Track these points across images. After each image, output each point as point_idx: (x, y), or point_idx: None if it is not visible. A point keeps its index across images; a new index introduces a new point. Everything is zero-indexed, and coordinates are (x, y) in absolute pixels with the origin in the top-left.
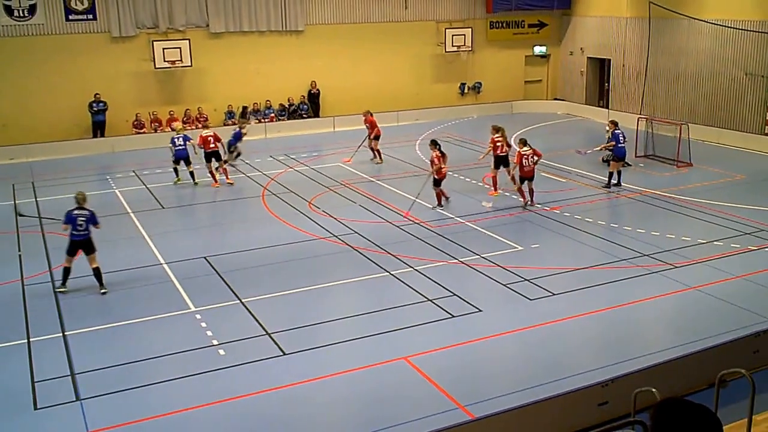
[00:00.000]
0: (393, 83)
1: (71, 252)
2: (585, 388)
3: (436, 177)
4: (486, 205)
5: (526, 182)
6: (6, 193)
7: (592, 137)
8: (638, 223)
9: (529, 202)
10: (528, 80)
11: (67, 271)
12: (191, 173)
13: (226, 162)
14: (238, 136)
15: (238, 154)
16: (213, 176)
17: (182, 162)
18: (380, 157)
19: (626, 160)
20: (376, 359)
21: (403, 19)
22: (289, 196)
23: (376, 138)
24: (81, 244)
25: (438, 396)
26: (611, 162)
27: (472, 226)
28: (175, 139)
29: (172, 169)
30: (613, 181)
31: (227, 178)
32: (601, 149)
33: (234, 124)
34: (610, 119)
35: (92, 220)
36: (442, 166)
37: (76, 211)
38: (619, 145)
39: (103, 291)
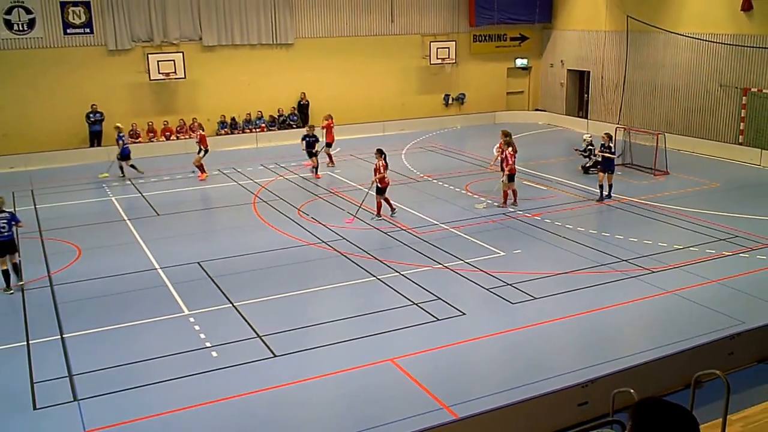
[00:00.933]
0: (380, 94)
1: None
2: (565, 388)
3: (379, 186)
4: (479, 207)
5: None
6: (6, 201)
7: (573, 146)
8: (617, 229)
9: (512, 202)
10: (510, 91)
11: (5, 274)
12: (133, 166)
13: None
14: (310, 143)
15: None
16: (201, 169)
17: (124, 158)
18: (331, 162)
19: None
20: (363, 361)
21: (390, 32)
22: (279, 204)
23: (327, 145)
24: (5, 245)
25: (423, 396)
26: (606, 174)
27: (456, 232)
28: (123, 138)
29: (118, 167)
30: (605, 193)
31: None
32: (597, 153)
33: (227, 133)
34: (605, 131)
35: (13, 219)
36: (385, 175)
37: None
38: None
39: (20, 282)
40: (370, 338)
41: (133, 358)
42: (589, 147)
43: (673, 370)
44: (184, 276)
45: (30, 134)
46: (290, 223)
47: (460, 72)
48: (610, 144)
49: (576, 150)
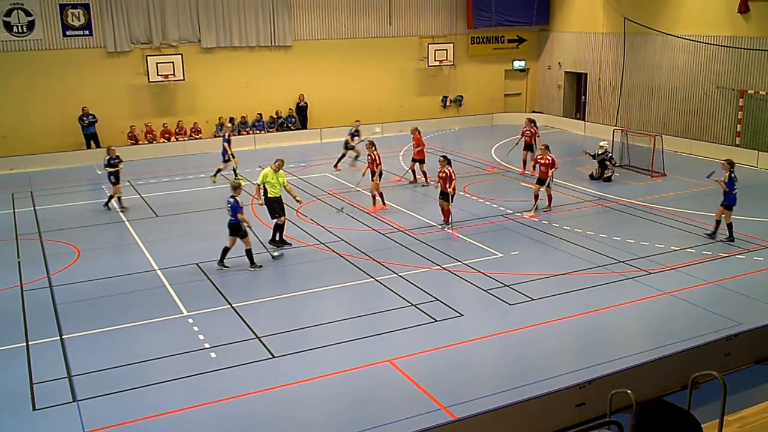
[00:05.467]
0: (378, 96)
1: None
2: (563, 389)
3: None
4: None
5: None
6: (6, 202)
7: (569, 148)
8: (614, 230)
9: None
10: (507, 93)
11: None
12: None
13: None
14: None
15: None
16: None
17: None
18: (424, 179)
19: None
20: (361, 362)
21: (388, 34)
22: None
23: (416, 161)
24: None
25: (421, 397)
26: (724, 211)
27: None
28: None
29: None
30: (724, 232)
31: None
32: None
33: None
34: (725, 159)
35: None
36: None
37: None
38: (733, 192)
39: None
40: (369, 339)
41: (132, 358)
42: (603, 155)
43: (670, 371)
44: (182, 277)
45: (29, 136)
46: (289, 225)
47: (458, 74)
48: (732, 172)
49: (586, 153)
